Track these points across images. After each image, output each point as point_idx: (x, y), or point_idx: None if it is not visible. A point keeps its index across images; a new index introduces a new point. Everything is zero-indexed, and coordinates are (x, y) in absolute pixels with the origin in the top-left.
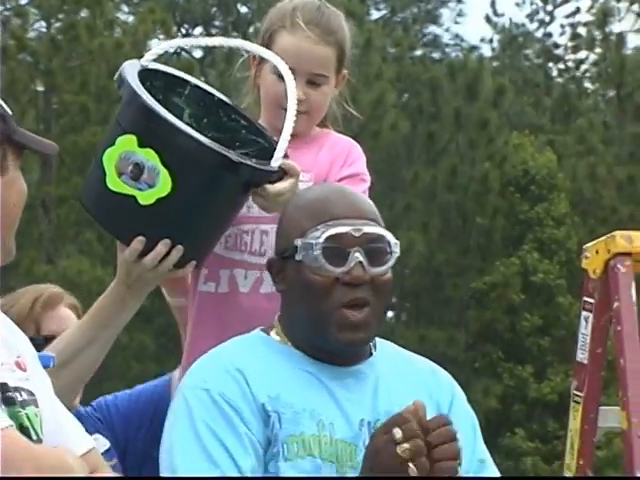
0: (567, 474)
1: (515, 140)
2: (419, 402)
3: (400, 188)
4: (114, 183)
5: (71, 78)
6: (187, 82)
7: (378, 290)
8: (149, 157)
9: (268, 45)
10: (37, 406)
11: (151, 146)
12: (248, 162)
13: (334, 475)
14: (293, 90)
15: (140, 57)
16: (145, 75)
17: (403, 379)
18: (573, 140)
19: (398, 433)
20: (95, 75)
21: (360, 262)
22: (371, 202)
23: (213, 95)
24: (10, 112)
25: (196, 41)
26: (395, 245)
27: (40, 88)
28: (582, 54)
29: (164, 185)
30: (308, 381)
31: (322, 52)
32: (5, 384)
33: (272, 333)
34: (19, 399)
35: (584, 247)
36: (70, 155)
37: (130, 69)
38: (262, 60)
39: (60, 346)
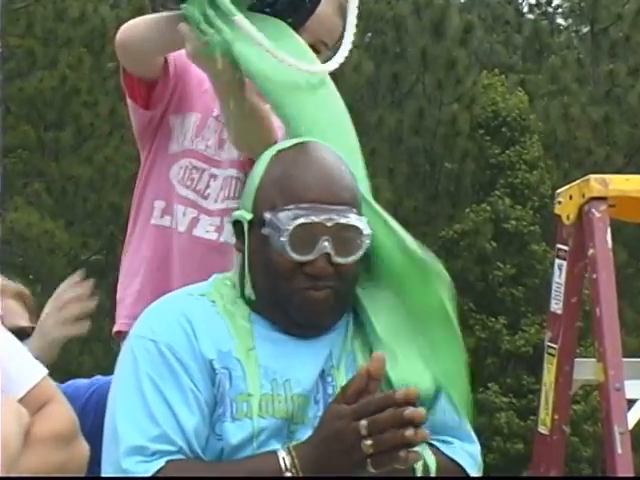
0: (542, 429)
1: (484, 80)
2: (378, 355)
3: (364, 132)
4: None
5: (16, 20)
6: None
7: (342, 276)
8: None
9: None
10: None
11: None
12: None
13: (285, 431)
14: None
15: None
16: None
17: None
18: (545, 79)
19: (364, 428)
20: (41, 17)
21: (327, 253)
22: (352, 178)
23: None
24: None
25: None
26: (367, 236)
27: None
28: None
29: None
30: (262, 336)
31: (336, 23)
32: None
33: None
34: None
35: (557, 192)
36: (16, 102)
37: None
38: None
39: None
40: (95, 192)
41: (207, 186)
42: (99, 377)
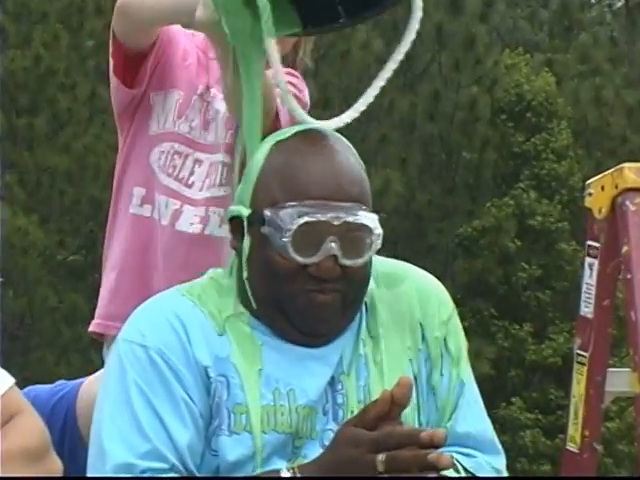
0: (571, 447)
1: (507, 60)
2: (405, 380)
3: (374, 117)
4: None
5: None
6: None
7: (351, 279)
8: None
9: None
10: None
11: None
12: None
13: (289, 447)
14: None
15: None
16: None
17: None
18: (575, 59)
19: (381, 464)
20: None
21: (333, 255)
22: (361, 170)
23: None
24: None
25: None
26: (378, 236)
27: None
28: None
29: None
30: (263, 343)
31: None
32: None
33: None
34: None
35: (587, 183)
36: None
37: None
38: None
39: None
40: (73, 185)
41: (191, 173)
42: (63, 382)
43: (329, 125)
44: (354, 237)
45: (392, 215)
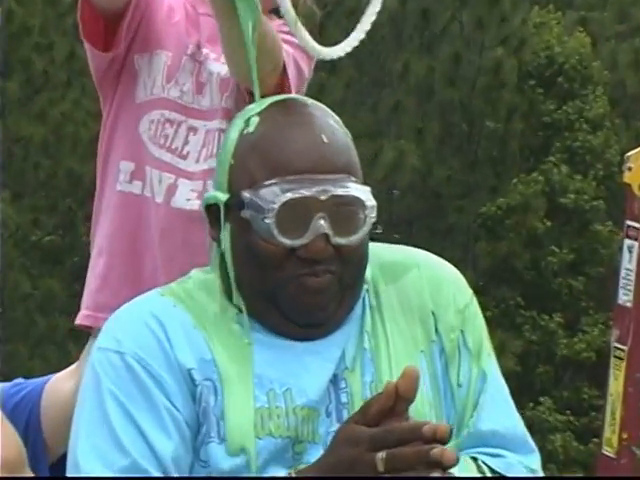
0: (607, 451)
1: (536, 18)
2: (411, 370)
3: (387, 83)
4: None
5: None
6: None
7: (346, 259)
8: None
9: None
10: None
11: None
12: None
13: (289, 453)
14: None
15: None
16: None
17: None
18: (612, 18)
19: (380, 463)
20: None
21: (324, 233)
22: (347, 137)
23: None
24: None
25: None
26: (372, 209)
27: None
28: None
29: None
30: (254, 340)
31: None
32: None
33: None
34: None
35: (626, 156)
36: None
37: None
38: None
39: None
40: (49, 157)
41: (185, 142)
42: (22, 380)
43: (336, 51)
44: (345, 212)
45: (406, 192)
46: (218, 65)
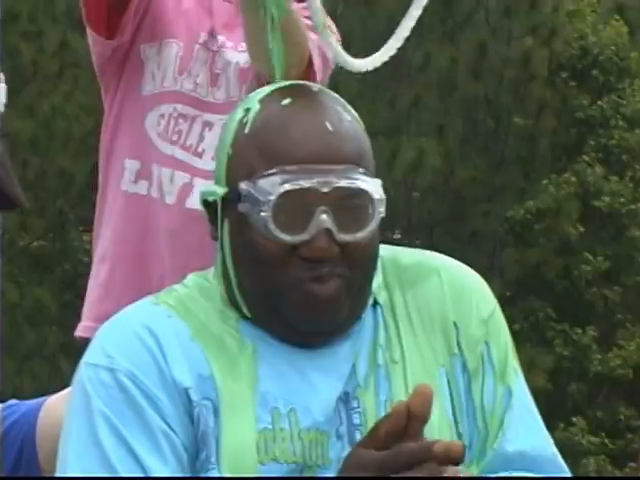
0: None
1: (569, 5)
2: (424, 388)
3: (405, 75)
4: None
5: None
6: None
7: (353, 259)
8: None
9: None
10: None
11: None
12: None
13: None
14: None
15: None
16: None
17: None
18: None
19: None
20: None
21: (327, 229)
22: (356, 124)
23: None
24: None
25: None
26: (380, 202)
27: None
28: None
29: None
30: (256, 352)
31: None
32: None
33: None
34: None
35: None
36: None
37: None
38: None
39: None
40: (38, 154)
41: (201, 139)
42: (15, 402)
43: (373, 62)
44: (351, 206)
45: (427, 194)
46: (236, 54)
